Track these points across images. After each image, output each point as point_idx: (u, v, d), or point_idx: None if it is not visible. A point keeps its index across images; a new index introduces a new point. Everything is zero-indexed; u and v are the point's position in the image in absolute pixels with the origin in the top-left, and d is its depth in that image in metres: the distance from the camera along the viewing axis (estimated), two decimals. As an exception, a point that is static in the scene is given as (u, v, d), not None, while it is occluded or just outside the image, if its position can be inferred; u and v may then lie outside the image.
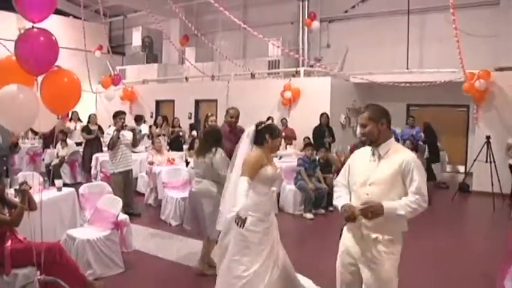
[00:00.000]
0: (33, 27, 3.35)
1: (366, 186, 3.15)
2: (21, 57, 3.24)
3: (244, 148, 4.05)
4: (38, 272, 3.67)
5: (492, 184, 9.46)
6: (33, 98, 3.34)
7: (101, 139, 10.84)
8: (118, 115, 7.85)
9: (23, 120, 3.34)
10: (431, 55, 13.11)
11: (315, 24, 13.94)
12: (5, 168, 6.68)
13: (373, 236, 3.09)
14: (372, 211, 2.96)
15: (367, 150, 3.26)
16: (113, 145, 7.69)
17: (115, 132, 7.66)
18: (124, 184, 7.87)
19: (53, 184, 6.47)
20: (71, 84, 3.58)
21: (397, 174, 3.05)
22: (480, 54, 11.54)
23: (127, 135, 7.98)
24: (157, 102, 17.16)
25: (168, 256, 6.03)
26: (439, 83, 11.38)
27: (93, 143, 11.18)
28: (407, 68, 12.89)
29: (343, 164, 3.87)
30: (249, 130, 4.08)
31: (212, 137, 5.41)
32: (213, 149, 5.28)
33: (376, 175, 3.12)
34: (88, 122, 11.64)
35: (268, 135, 4.03)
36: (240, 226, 3.59)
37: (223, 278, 3.90)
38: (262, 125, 4.10)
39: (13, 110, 3.25)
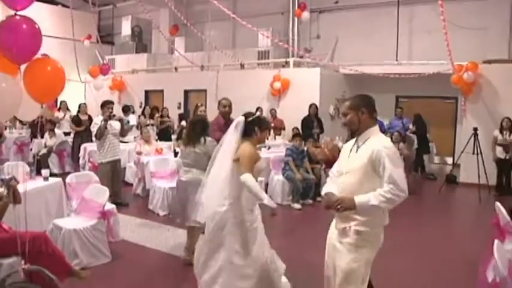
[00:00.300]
0: (15, 14, 3.31)
1: (342, 175, 3.17)
2: (3, 45, 3.21)
3: (232, 139, 3.99)
4: (23, 262, 3.66)
5: (479, 176, 9.55)
6: (16, 87, 3.31)
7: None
8: (106, 105, 7.82)
9: (5, 109, 3.31)
10: (420, 47, 13.16)
11: (305, 14, 13.89)
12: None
13: (342, 226, 3.12)
14: (342, 205, 2.98)
15: (353, 140, 3.29)
16: (101, 135, 7.67)
17: (102, 122, 7.64)
18: (112, 174, 7.85)
19: (39, 174, 6.44)
20: (55, 72, 3.55)
21: (368, 163, 3.04)
22: (469, 46, 11.62)
23: (114, 125, 7.95)
24: (147, 92, 17.07)
25: (156, 246, 6.04)
26: (428, 75, 11.43)
27: (82, 133, 11.13)
28: (396, 60, 12.92)
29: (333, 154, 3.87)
30: (238, 121, 4.02)
31: (200, 126, 5.42)
32: (201, 139, 5.30)
33: (351, 164, 3.14)
34: (78, 112, 11.55)
35: (257, 128, 4.02)
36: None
37: (228, 277, 3.83)
38: (252, 117, 4.07)
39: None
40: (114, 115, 7.96)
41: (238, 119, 4.04)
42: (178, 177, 5.63)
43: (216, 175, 3.96)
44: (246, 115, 4.08)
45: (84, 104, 11.94)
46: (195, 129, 5.39)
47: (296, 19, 14.67)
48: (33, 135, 11.60)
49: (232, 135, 4.00)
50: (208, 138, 5.33)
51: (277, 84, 12.91)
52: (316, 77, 12.65)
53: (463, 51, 10.92)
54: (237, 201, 3.87)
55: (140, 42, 19.00)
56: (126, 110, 11.72)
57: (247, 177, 3.70)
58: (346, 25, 14.51)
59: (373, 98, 3.24)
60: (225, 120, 6.13)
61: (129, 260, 5.50)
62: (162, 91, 16.45)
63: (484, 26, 11.72)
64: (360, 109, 3.11)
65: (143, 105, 15.96)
